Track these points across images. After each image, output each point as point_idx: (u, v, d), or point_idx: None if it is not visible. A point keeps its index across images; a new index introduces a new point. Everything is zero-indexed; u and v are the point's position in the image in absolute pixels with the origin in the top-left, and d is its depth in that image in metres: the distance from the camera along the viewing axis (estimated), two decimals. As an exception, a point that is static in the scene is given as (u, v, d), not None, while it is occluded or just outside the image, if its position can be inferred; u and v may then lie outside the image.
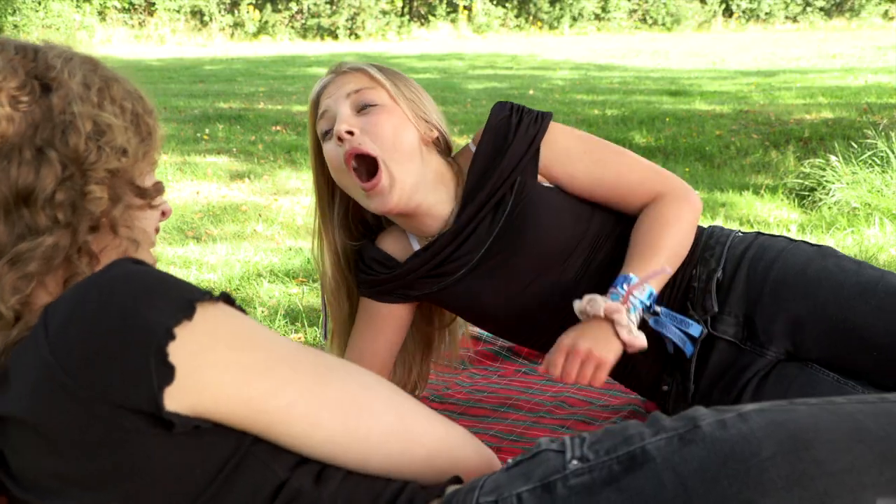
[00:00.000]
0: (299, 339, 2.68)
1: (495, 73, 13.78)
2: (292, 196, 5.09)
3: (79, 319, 0.92)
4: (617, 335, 1.65)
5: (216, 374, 0.94)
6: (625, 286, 1.69)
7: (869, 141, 4.95)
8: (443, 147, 1.91)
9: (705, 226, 1.95)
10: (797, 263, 1.77)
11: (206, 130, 7.34)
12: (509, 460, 1.10)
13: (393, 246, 1.94)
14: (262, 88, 10.92)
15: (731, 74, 12.24)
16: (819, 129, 6.74)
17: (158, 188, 1.17)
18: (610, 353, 1.65)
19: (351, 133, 1.74)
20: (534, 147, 1.81)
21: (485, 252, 1.82)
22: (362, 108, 1.78)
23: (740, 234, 1.91)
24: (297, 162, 6.11)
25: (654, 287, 1.72)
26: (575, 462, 1.01)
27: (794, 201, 4.83)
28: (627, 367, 1.85)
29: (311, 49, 20.59)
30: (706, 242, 1.87)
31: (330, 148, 1.80)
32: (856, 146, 5.05)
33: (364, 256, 1.93)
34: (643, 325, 1.71)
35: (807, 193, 4.79)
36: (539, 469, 1.03)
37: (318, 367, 1.02)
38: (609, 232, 1.86)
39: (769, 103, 8.45)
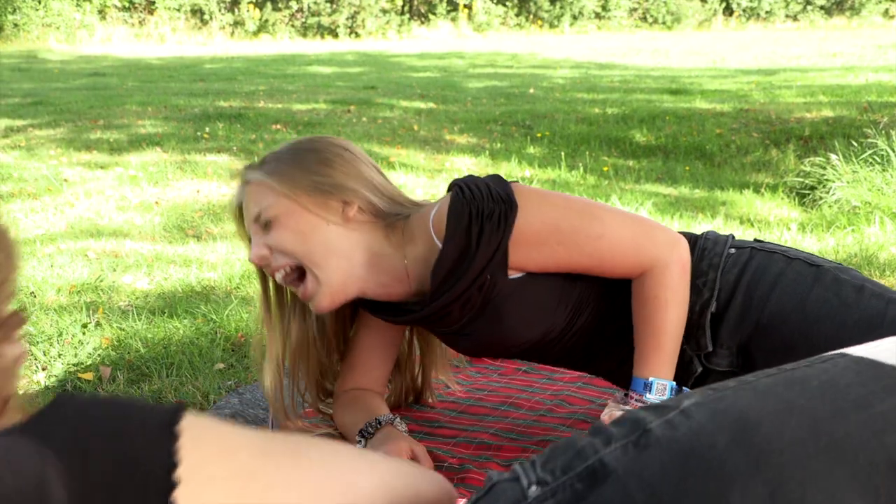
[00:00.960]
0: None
1: (496, 72, 13.77)
2: (293, 195, 5.09)
3: None
4: None
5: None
6: (648, 395, 1.68)
7: (869, 140, 4.96)
8: (373, 213, 1.76)
9: (697, 234, 1.87)
10: (795, 294, 1.72)
11: (207, 129, 7.34)
12: (462, 502, 1.08)
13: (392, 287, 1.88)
14: (263, 87, 10.92)
15: (732, 73, 12.23)
16: (819, 128, 6.74)
17: (18, 319, 1.02)
18: None
19: (264, 257, 1.71)
20: (500, 250, 1.69)
21: (460, 328, 1.79)
22: (266, 226, 1.71)
23: (733, 250, 1.82)
24: (297, 160, 6.10)
25: (671, 376, 1.71)
26: (534, 488, 0.97)
27: (794, 200, 4.83)
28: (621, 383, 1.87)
29: (312, 48, 20.59)
30: (697, 266, 1.79)
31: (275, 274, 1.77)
32: (856, 145, 5.05)
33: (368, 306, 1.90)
34: None
35: (807, 192, 4.80)
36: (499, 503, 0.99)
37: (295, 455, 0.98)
38: (595, 294, 1.81)
39: (769, 102, 8.45)
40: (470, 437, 1.94)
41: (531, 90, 10.35)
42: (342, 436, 1.92)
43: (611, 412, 1.71)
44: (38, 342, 2.61)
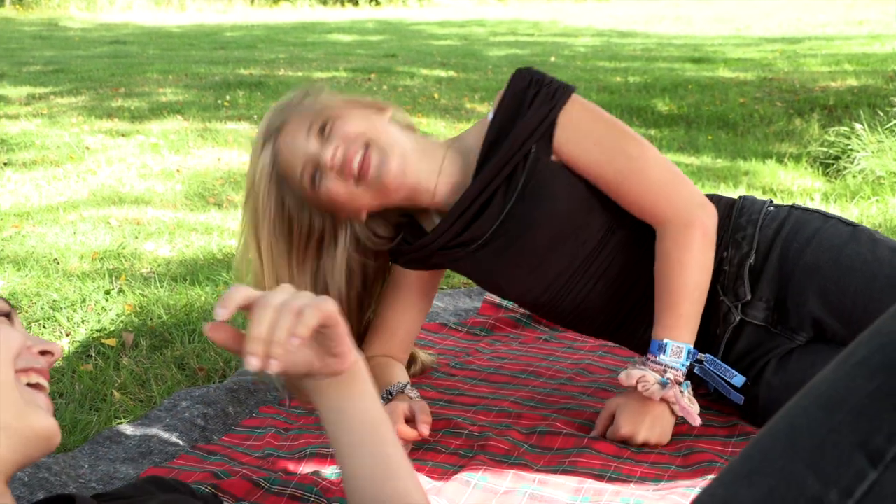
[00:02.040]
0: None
1: (517, 40, 13.68)
2: (313, 163, 5.09)
3: None
4: (672, 413, 1.73)
5: None
6: (661, 356, 1.70)
7: (895, 109, 4.89)
8: (402, 123, 1.86)
9: (736, 197, 1.91)
10: (832, 248, 1.74)
11: (227, 97, 7.33)
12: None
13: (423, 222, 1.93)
14: (283, 55, 10.90)
15: (756, 41, 12.10)
16: (844, 97, 6.66)
17: None
18: (667, 435, 1.74)
19: (335, 155, 1.71)
20: (549, 120, 1.75)
21: (497, 227, 1.78)
22: (324, 130, 1.74)
23: (772, 208, 1.85)
24: (317, 129, 6.10)
25: (689, 340, 1.72)
26: None
27: (818, 170, 4.79)
28: None
29: (332, 16, 20.50)
30: (737, 222, 1.82)
31: (330, 187, 1.74)
32: (881, 114, 4.99)
33: (405, 234, 1.90)
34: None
35: (831, 162, 4.75)
36: None
37: None
38: (623, 218, 1.82)
39: (794, 70, 8.35)
40: (490, 405, 1.94)
41: (552, 58, 10.27)
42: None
43: (628, 373, 1.71)
44: (61, 308, 2.63)
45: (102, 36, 14.34)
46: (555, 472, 1.62)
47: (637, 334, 1.88)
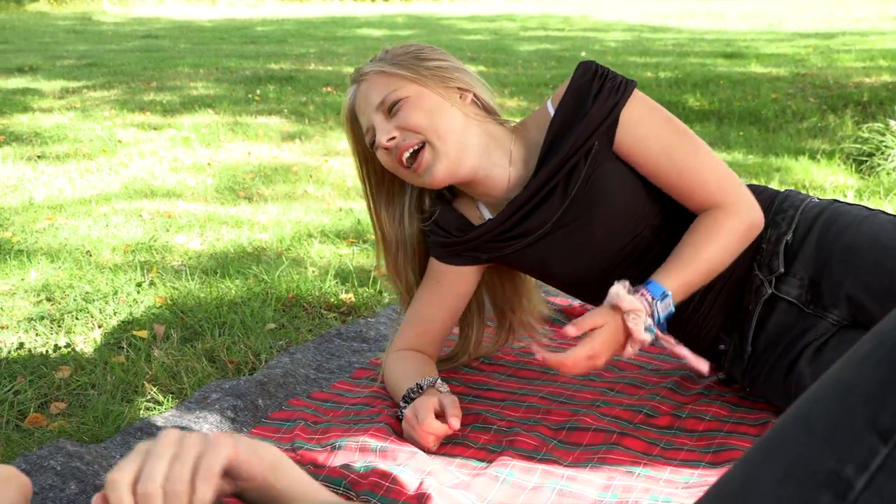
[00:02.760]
0: (350, 298, 2.70)
1: (547, 35, 13.63)
2: (342, 157, 5.10)
3: None
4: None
5: None
6: (658, 303, 1.67)
7: (931, 105, 4.83)
8: (482, 107, 1.89)
9: (782, 189, 1.92)
10: (871, 231, 1.74)
11: (258, 91, 7.37)
12: None
13: (466, 211, 1.97)
14: (313, 49, 10.93)
15: (789, 36, 11.98)
16: (879, 93, 6.59)
17: None
18: (604, 360, 1.69)
19: (392, 139, 1.78)
20: (613, 116, 1.76)
21: (557, 220, 1.81)
22: (392, 109, 1.79)
23: (816, 199, 1.87)
24: (347, 123, 6.11)
25: (676, 297, 1.70)
26: None
27: (851, 166, 4.74)
28: (689, 324, 1.85)
29: (362, 10, 20.53)
30: (779, 206, 1.85)
31: (382, 157, 1.83)
32: (917, 111, 4.93)
33: (439, 220, 1.96)
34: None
35: (864, 159, 4.70)
36: None
37: None
38: (679, 212, 1.83)
39: (827, 66, 8.27)
40: (519, 400, 1.94)
41: (583, 53, 10.23)
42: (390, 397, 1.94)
43: (621, 295, 1.66)
44: (93, 300, 2.65)
45: (135, 30, 14.45)
46: (583, 468, 1.62)
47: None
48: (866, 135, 4.84)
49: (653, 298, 1.67)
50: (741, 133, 5.84)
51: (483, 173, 1.84)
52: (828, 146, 5.28)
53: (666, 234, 1.83)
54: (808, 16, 15.71)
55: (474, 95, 1.87)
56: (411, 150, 1.77)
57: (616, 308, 1.66)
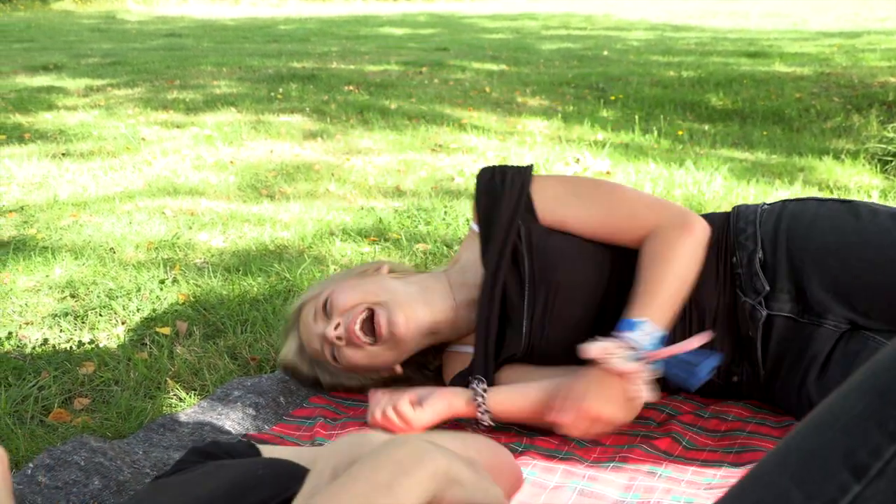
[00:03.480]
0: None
1: (569, 34, 13.60)
2: (364, 156, 5.11)
3: None
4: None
5: None
6: (629, 334, 1.64)
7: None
8: (402, 269, 2.05)
9: (730, 210, 1.92)
10: (835, 229, 1.76)
11: (280, 90, 7.39)
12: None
13: (457, 366, 1.95)
14: (335, 48, 10.95)
15: (813, 35, 11.90)
16: (904, 93, 6.53)
17: None
18: (619, 415, 1.65)
19: (337, 325, 1.84)
20: (524, 194, 1.88)
21: (527, 309, 1.84)
22: (325, 308, 1.88)
23: (766, 206, 1.88)
24: (369, 122, 6.12)
25: (659, 322, 1.68)
26: None
27: (875, 167, 4.70)
28: None
29: (384, 9, 20.56)
30: (735, 226, 1.85)
31: (349, 355, 1.87)
32: (943, 110, 4.88)
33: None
34: None
35: (890, 158, 4.66)
36: None
37: None
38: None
39: (852, 65, 8.20)
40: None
41: (605, 52, 10.19)
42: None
43: (588, 346, 1.65)
44: (117, 297, 2.67)
45: (158, 29, 14.53)
46: (605, 468, 1.62)
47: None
48: (891, 135, 4.80)
49: (621, 331, 1.65)
50: (765, 133, 5.81)
51: (441, 315, 1.89)
52: (852, 146, 5.24)
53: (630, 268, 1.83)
54: (831, 15, 15.59)
55: (389, 267, 2.01)
56: (360, 320, 1.83)
57: (591, 363, 1.65)
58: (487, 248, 1.88)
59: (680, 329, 1.78)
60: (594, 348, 1.63)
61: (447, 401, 1.76)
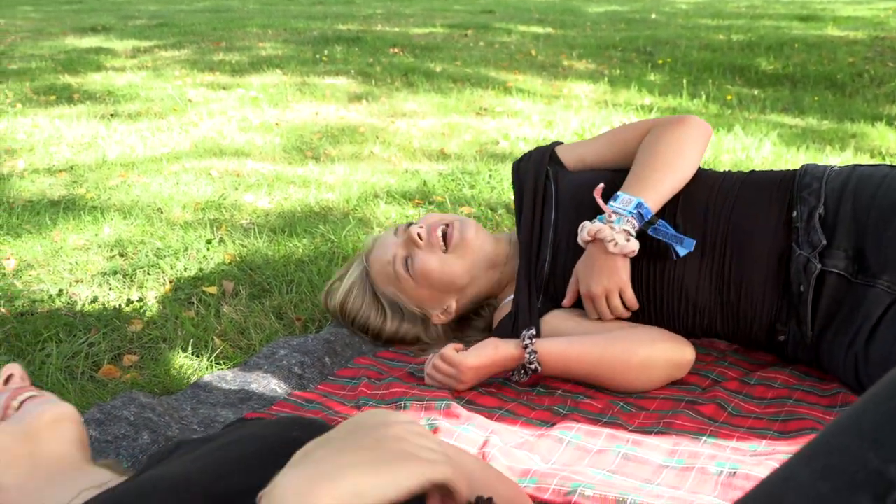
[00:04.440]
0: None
1: (616, -3, 13.41)
2: (409, 118, 5.10)
3: None
4: (609, 251, 1.80)
5: None
6: (611, 203, 1.81)
7: None
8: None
9: (797, 168, 1.90)
10: None
11: (325, 52, 7.38)
12: None
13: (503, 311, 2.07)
14: (380, 10, 10.91)
15: (868, -1, 11.62)
16: (962, 58, 6.36)
17: None
18: (617, 274, 1.81)
19: (420, 230, 2.03)
20: (549, 151, 2.11)
21: (553, 233, 1.97)
22: (406, 227, 2.10)
23: (836, 167, 1.85)
24: (414, 84, 6.10)
25: (643, 196, 1.80)
26: None
27: (930, 133, 4.59)
28: (738, 324, 1.83)
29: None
30: (801, 182, 1.82)
31: (424, 258, 2.02)
32: None
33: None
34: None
35: (945, 125, 4.55)
36: None
37: None
38: None
39: (908, 30, 8.01)
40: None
41: (653, 15, 10.05)
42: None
43: (581, 228, 1.85)
44: (164, 256, 2.70)
45: (204, -10, 14.55)
46: (649, 433, 1.61)
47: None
48: (948, 101, 4.69)
49: (609, 208, 1.81)
50: (816, 98, 5.70)
51: (501, 252, 2.08)
52: (906, 112, 5.13)
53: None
54: (888, -23, 15.20)
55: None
56: (440, 228, 2.03)
57: (586, 244, 1.84)
58: (523, 201, 2.07)
59: (735, 273, 1.81)
60: (583, 231, 1.83)
61: (494, 344, 1.80)
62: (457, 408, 1.68)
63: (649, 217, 1.80)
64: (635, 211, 1.78)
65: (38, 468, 1.15)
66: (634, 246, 1.79)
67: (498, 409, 1.74)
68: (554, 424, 1.65)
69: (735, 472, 1.42)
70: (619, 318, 1.86)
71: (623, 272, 1.81)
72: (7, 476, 1.14)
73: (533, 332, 1.81)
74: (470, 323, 2.15)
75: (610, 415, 1.69)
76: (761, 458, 1.49)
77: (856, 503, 0.71)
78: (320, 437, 0.93)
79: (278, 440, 1.09)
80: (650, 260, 1.84)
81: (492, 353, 1.79)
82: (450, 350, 1.80)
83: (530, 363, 1.77)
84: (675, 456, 1.52)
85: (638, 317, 1.88)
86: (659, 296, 1.85)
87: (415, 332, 2.09)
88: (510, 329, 1.94)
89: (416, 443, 0.85)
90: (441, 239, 2.02)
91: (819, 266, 1.74)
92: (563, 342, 1.81)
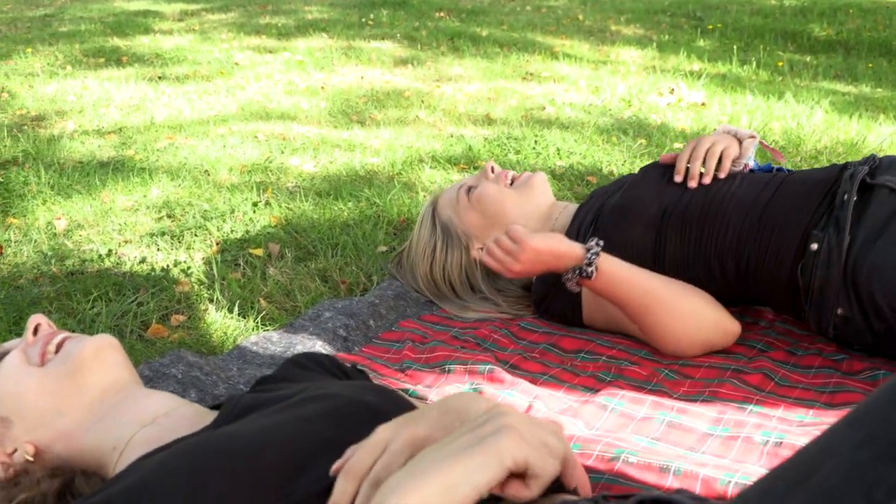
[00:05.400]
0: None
1: (666, -40, 13.19)
2: (454, 83, 5.07)
3: None
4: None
5: None
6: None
7: None
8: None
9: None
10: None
11: (371, 15, 7.36)
12: None
13: None
14: (427, -26, 10.83)
15: (926, -37, 11.32)
16: None
17: None
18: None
19: (494, 169, 2.17)
20: None
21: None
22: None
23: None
24: (460, 49, 6.06)
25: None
26: None
27: None
28: (774, 218, 1.76)
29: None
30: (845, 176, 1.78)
31: (485, 187, 2.11)
32: None
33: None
34: None
35: None
36: None
37: None
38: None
39: (968, -5, 7.80)
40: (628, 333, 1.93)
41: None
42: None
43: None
44: (211, 218, 2.72)
45: (251, -47, 14.54)
46: (694, 401, 1.60)
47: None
48: None
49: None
50: (870, 65, 5.58)
51: (555, 209, 2.12)
52: (964, 80, 5.01)
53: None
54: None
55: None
56: (514, 175, 2.15)
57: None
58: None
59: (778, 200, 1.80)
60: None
61: (559, 237, 1.78)
62: (501, 373, 1.68)
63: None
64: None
65: (94, 403, 1.18)
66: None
67: (542, 374, 1.74)
68: (598, 391, 1.65)
69: (781, 443, 1.40)
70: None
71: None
72: (65, 420, 1.17)
73: (601, 242, 1.78)
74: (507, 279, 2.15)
75: (655, 382, 1.68)
76: (808, 428, 1.48)
77: (895, 473, 0.71)
78: (413, 413, 0.95)
79: (351, 402, 1.10)
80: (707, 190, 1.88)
81: (556, 243, 1.77)
82: (517, 226, 1.80)
83: (589, 264, 1.74)
84: (720, 424, 1.51)
85: (674, 240, 1.87)
86: (704, 218, 1.85)
87: (460, 273, 2.11)
88: (549, 279, 1.98)
89: (502, 423, 0.85)
90: (509, 180, 2.12)
91: (867, 178, 1.71)
92: (625, 263, 1.79)
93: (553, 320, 2.00)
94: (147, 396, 1.21)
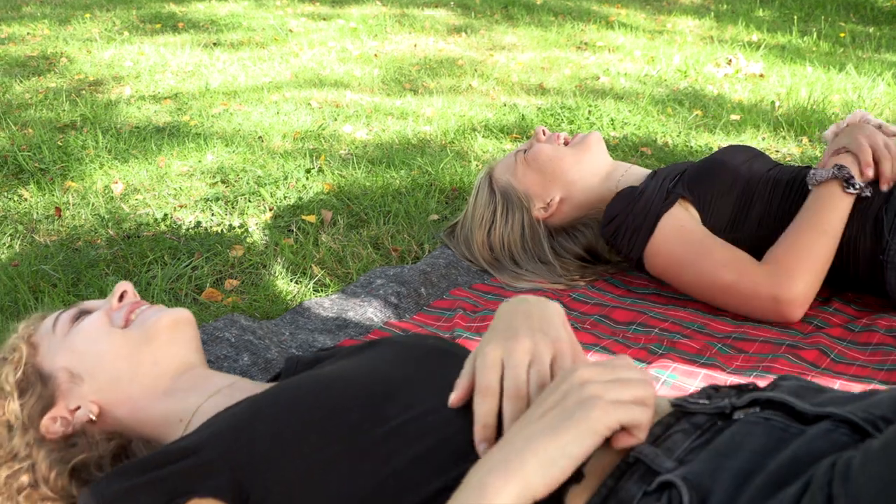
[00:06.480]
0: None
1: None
2: (508, 52, 5.04)
3: None
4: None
5: None
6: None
7: None
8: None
9: None
10: None
11: (425, -17, 7.32)
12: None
13: None
14: (481, -59, 10.73)
15: None
16: None
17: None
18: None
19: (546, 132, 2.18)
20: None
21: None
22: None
23: None
24: (514, 17, 6.01)
25: None
26: None
27: None
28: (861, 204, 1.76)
29: None
30: None
31: (540, 146, 2.11)
32: None
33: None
34: None
35: None
36: None
37: None
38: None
39: None
40: (683, 304, 1.91)
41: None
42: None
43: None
44: (265, 184, 2.74)
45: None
46: (747, 376, 1.58)
47: None
48: None
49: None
50: (935, 37, 5.43)
51: (613, 175, 2.09)
52: None
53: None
54: None
55: None
56: (566, 137, 2.14)
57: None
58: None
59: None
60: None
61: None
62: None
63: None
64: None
65: (166, 376, 1.20)
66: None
67: (593, 345, 1.73)
68: (650, 363, 1.64)
69: (837, 419, 1.38)
70: None
71: None
72: (135, 387, 1.19)
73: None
74: (568, 239, 2.13)
75: (707, 356, 1.66)
76: (864, 405, 1.45)
77: None
78: (498, 328, 0.98)
79: (418, 346, 1.12)
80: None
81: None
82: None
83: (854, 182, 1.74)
84: (773, 400, 1.49)
85: (762, 202, 1.88)
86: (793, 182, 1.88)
87: (522, 236, 2.10)
88: (630, 198, 1.92)
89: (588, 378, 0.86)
90: (562, 141, 2.14)
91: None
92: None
93: (615, 247, 1.96)
94: (214, 374, 1.23)
